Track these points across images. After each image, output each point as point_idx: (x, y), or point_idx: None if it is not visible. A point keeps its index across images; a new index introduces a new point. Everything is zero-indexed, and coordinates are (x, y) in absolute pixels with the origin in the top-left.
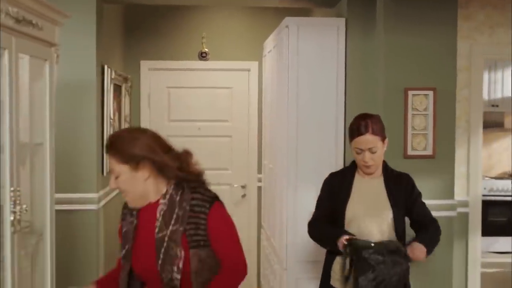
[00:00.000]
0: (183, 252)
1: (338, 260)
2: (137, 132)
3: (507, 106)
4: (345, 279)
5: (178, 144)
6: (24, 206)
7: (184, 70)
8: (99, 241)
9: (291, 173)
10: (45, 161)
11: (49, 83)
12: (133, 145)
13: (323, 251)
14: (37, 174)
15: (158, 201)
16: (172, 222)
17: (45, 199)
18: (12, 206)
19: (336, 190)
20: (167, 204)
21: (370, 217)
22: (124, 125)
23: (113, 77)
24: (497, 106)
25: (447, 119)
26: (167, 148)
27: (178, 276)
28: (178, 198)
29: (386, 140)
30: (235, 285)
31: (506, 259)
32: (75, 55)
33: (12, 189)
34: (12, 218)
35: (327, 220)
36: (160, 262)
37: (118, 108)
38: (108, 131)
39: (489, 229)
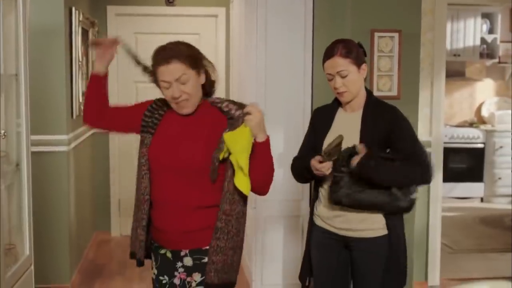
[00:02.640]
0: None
1: (319, 200)
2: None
3: (469, 55)
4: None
5: (145, 91)
6: (3, 131)
7: (151, 15)
8: (70, 182)
9: None
10: (20, 91)
11: (22, 16)
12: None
13: (289, 191)
14: (11, 106)
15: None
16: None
17: (21, 128)
18: None
19: (318, 124)
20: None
21: None
22: (92, 70)
23: (81, 19)
24: (459, 55)
25: (411, 61)
26: None
27: (217, 164)
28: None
29: (364, 66)
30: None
31: (464, 203)
32: None
33: None
34: None
35: (310, 154)
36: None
37: (86, 53)
38: (76, 74)
39: (449, 175)
